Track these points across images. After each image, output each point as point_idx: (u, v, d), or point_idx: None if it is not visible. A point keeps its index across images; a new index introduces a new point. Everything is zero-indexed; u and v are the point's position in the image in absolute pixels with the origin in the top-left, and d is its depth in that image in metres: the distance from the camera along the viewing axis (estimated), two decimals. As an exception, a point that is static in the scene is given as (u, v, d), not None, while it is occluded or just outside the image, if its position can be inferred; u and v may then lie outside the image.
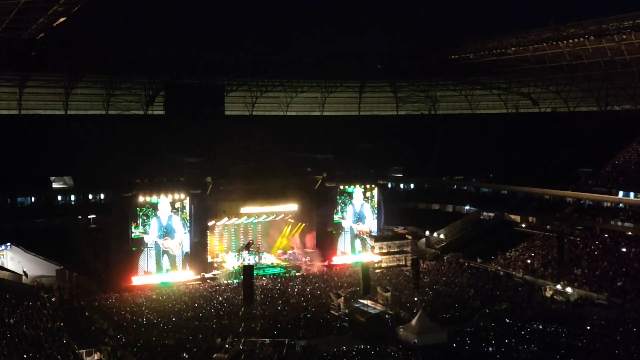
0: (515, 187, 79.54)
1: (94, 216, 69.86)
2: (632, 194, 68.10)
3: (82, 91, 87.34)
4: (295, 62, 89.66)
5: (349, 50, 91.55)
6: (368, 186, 72.10)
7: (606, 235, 64.82)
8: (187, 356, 39.16)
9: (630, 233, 64.00)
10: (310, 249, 70.81)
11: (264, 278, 60.65)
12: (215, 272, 63.44)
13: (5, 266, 59.13)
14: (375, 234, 70.72)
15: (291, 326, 44.78)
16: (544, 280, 57.94)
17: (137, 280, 58.53)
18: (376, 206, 72.45)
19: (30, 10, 47.96)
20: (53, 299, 51.97)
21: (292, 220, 71.97)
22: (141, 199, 59.24)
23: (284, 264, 68.61)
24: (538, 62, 79.27)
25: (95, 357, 39.91)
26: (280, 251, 71.82)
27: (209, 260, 65.17)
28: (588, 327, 43.07)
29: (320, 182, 69.76)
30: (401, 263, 66.46)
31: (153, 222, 59.88)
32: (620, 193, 69.28)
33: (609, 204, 69.34)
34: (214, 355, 39.04)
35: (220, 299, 52.47)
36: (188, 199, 61.43)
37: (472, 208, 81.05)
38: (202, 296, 53.63)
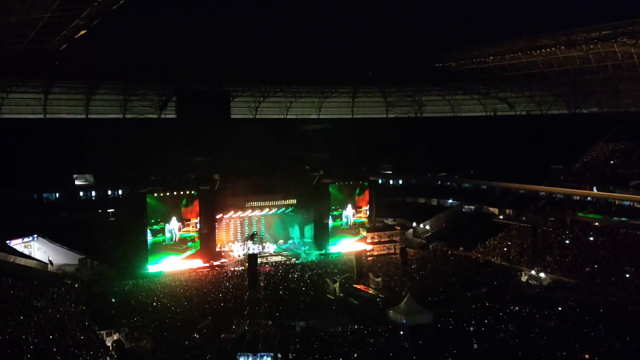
0: (494, 183, 79.59)
1: (113, 210, 69.81)
2: (597, 189, 68.42)
3: (101, 97, 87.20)
4: (294, 70, 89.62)
5: (342, 59, 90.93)
6: (361, 182, 72.05)
7: (576, 226, 65.00)
8: (197, 336, 39.25)
9: (597, 224, 64.18)
10: (308, 239, 70.84)
11: (267, 265, 60.69)
12: (222, 260, 63.47)
13: (32, 255, 59.14)
14: (368, 226, 70.72)
15: (292, 309, 44.90)
16: (520, 266, 58.04)
17: (151, 267, 58.60)
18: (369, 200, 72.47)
19: (53, 24, 47.72)
20: (76, 285, 51.95)
21: (292, 213, 71.94)
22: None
23: (285, 252, 68.64)
24: (514, 70, 79.32)
25: (115, 337, 39.93)
26: (281, 241, 71.81)
27: (217, 249, 65.21)
28: (559, 309, 43.15)
29: (317, 178, 69.77)
30: (391, 252, 66.46)
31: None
32: (589, 188, 69.49)
33: (578, 198, 69.49)
34: (222, 335, 39.15)
35: (228, 284, 52.50)
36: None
37: (454, 202, 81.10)
38: (210, 282, 53.67)
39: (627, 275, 51.45)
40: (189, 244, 61.28)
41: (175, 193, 60.48)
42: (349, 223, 70.66)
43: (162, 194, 59.98)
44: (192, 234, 61.47)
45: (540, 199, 73.37)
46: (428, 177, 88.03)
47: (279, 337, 37.77)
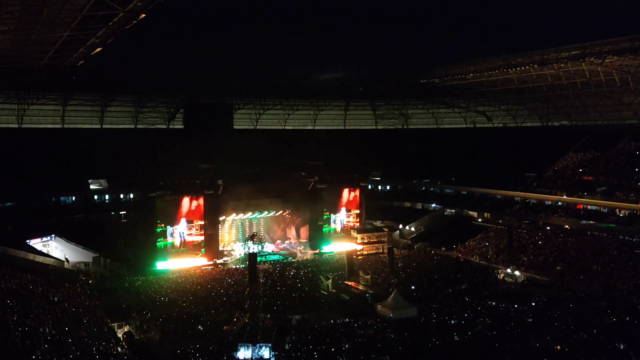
0: (473, 189, 79.72)
1: (125, 212, 69.52)
2: (567, 195, 68.59)
3: (115, 108, 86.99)
4: (292, 85, 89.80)
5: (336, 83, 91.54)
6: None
7: (548, 228, 65.11)
8: (201, 328, 39.11)
9: (567, 226, 64.34)
10: (303, 240, 70.68)
11: (265, 263, 60.47)
12: (225, 258, 63.21)
13: (50, 254, 58.80)
14: (358, 227, 70.55)
15: (288, 303, 44.80)
16: (497, 265, 58.10)
17: (160, 265, 58.27)
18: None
19: (72, 42, 47.69)
20: (90, 281, 51.69)
21: (289, 216, 71.79)
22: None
23: (282, 252, 68.42)
24: (491, 86, 79.66)
25: (125, 329, 39.72)
26: (279, 241, 71.57)
27: (220, 248, 64.96)
28: (533, 304, 43.25)
29: (313, 184, 69.66)
30: (379, 251, 66.34)
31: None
32: (559, 194, 69.66)
33: (550, 203, 69.68)
34: (224, 327, 38.98)
35: (230, 281, 52.31)
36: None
37: (437, 205, 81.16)
38: (214, 279, 53.44)
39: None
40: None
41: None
42: (341, 227, 70.45)
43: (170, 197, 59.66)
44: (201, 237, 60.84)
45: (516, 204, 73.53)
46: (413, 183, 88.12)
47: (277, 329, 37.67)
